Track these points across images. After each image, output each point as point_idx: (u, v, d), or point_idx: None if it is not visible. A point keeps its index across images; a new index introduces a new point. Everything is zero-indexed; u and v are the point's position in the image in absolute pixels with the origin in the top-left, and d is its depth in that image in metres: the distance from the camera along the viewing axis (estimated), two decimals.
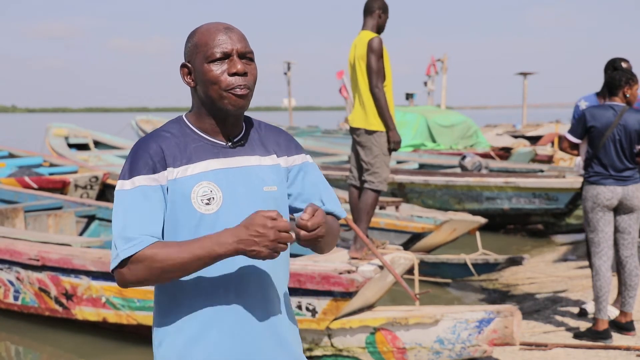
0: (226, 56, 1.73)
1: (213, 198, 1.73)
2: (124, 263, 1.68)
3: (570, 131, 4.73)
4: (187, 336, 1.74)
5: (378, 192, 4.78)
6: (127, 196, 1.71)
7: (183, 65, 1.80)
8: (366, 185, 4.78)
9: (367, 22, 4.80)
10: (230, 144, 1.79)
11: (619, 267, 4.74)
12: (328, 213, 1.88)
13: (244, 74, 1.74)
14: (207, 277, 1.72)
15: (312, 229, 1.63)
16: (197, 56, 1.75)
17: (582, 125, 4.63)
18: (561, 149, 4.90)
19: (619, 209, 4.58)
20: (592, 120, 4.57)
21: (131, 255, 1.66)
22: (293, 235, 1.64)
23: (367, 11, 4.80)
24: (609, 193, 4.52)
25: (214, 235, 1.64)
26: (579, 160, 4.76)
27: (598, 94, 5.17)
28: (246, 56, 1.76)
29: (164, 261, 1.64)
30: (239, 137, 1.82)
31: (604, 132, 4.53)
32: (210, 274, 1.73)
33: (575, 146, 4.76)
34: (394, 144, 4.74)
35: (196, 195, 1.72)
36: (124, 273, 1.68)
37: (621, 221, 4.61)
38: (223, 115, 1.77)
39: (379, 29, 4.81)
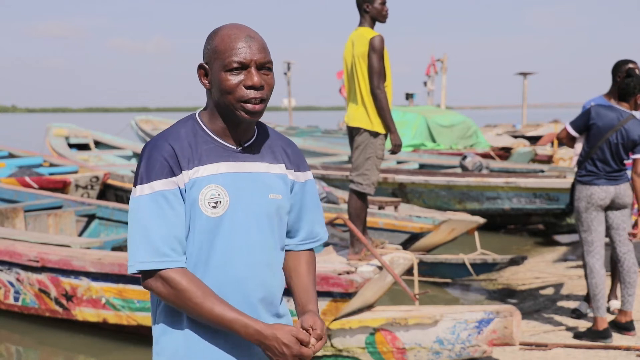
0: (244, 67, 1.71)
1: (220, 202, 1.73)
2: (151, 274, 1.69)
3: (572, 123, 4.76)
4: (184, 335, 1.75)
5: (365, 195, 4.66)
6: (148, 202, 1.69)
7: (200, 67, 1.79)
8: (353, 186, 4.60)
9: (361, 18, 4.65)
10: (240, 148, 1.79)
11: (617, 264, 4.75)
12: (312, 238, 1.95)
13: (260, 87, 1.73)
14: (205, 281, 1.73)
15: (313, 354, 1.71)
16: (215, 61, 1.73)
17: (584, 120, 4.66)
18: (558, 137, 4.92)
19: (611, 207, 4.62)
20: (596, 118, 4.59)
21: (159, 270, 1.68)
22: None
23: (358, 6, 4.65)
24: (602, 193, 4.54)
25: (247, 319, 1.68)
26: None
27: (606, 95, 5.17)
28: (265, 66, 1.74)
29: (192, 303, 1.67)
30: (250, 142, 1.81)
31: (604, 133, 4.54)
32: (209, 278, 1.73)
33: (572, 139, 4.77)
34: (395, 147, 4.60)
35: (204, 198, 1.72)
36: (152, 285, 1.71)
37: (614, 218, 4.64)
38: (236, 121, 1.77)
39: (375, 20, 4.62)
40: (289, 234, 1.92)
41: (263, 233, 1.78)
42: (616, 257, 4.72)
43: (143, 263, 1.68)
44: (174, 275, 1.67)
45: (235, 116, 1.74)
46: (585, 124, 4.65)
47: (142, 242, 1.68)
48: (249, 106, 1.72)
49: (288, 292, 1.93)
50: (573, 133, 4.72)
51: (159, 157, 1.71)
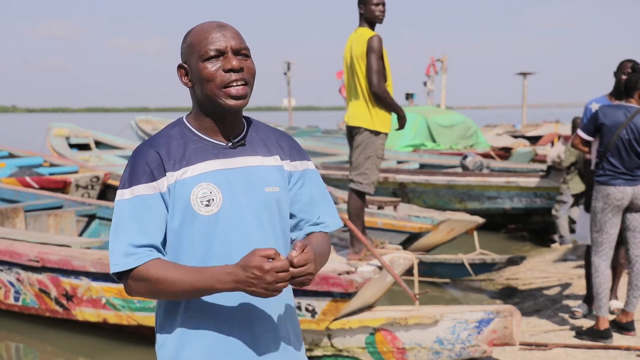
0: (220, 53, 1.72)
1: (213, 199, 1.72)
2: (126, 275, 1.70)
3: (583, 128, 4.77)
4: (188, 337, 1.75)
5: (364, 194, 4.66)
6: (127, 206, 1.71)
7: (180, 67, 1.79)
8: (353, 185, 4.60)
9: (360, 18, 4.66)
10: (230, 144, 1.78)
11: (627, 266, 4.74)
12: (320, 223, 1.87)
13: (240, 70, 1.73)
14: None
15: (297, 265, 1.60)
16: (192, 56, 1.75)
17: (593, 122, 4.66)
18: (573, 145, 4.94)
19: (630, 208, 4.58)
20: (604, 118, 4.60)
21: (133, 269, 1.67)
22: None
23: (358, 7, 4.67)
24: (619, 194, 4.51)
25: (216, 270, 1.62)
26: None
27: (609, 95, 5.17)
28: (241, 52, 1.75)
29: (165, 285, 1.65)
30: (240, 137, 1.80)
31: (614, 131, 4.54)
32: None
33: (587, 143, 4.79)
34: (401, 121, 4.77)
35: (195, 197, 1.71)
36: (130, 286, 1.71)
37: (632, 219, 4.60)
38: (222, 113, 1.76)
39: (371, 22, 4.63)
40: (296, 227, 1.87)
41: (262, 228, 1.76)
42: (628, 259, 4.69)
43: (115, 265, 1.69)
44: (141, 268, 1.67)
45: (221, 106, 1.73)
46: (594, 125, 4.65)
47: (116, 245, 1.69)
48: (233, 90, 1.72)
49: (293, 293, 1.89)
50: (586, 137, 4.73)
51: (141, 162, 1.72)
